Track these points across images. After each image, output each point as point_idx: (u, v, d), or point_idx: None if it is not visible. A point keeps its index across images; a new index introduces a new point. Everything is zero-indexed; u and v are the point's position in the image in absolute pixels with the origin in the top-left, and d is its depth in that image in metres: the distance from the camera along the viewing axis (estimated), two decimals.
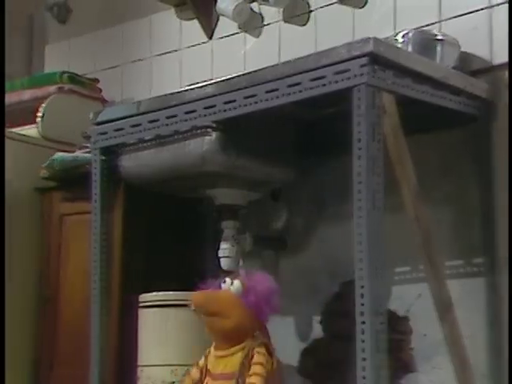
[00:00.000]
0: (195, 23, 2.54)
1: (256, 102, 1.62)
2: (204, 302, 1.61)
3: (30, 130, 2.46)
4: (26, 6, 3.23)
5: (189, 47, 2.58)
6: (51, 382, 2.24)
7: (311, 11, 2.29)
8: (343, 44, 1.51)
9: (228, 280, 1.62)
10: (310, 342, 2.04)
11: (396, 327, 1.74)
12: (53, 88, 2.52)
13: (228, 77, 1.71)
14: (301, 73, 1.55)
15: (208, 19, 2.48)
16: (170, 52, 2.63)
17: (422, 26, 1.95)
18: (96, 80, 2.70)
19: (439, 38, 1.84)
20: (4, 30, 2.66)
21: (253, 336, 1.60)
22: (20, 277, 2.31)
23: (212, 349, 1.63)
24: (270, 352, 1.58)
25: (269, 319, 1.63)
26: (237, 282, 1.60)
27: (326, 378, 1.88)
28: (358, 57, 1.47)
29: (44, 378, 2.27)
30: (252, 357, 1.57)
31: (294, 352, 2.01)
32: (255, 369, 1.54)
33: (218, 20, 2.49)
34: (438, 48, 1.81)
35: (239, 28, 2.44)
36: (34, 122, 2.47)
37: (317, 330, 2.01)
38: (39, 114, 2.46)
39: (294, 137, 1.97)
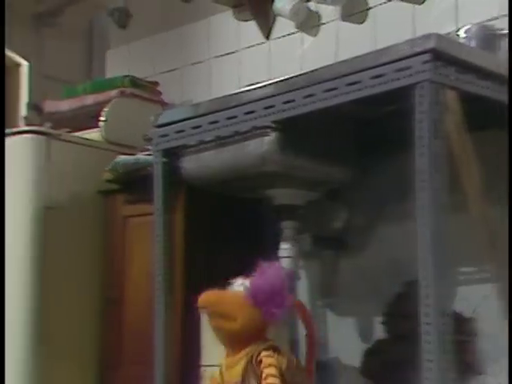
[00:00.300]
0: (253, 24, 2.55)
1: (315, 102, 1.61)
2: (210, 303, 1.55)
3: (93, 134, 2.50)
4: (85, 13, 3.30)
5: (247, 48, 2.60)
6: (116, 382, 2.27)
7: (369, 9, 2.27)
8: (404, 41, 1.49)
9: (238, 280, 1.56)
10: (372, 343, 2.02)
11: (461, 328, 1.71)
12: (115, 92, 2.56)
13: (286, 77, 1.71)
14: (360, 71, 1.54)
15: (265, 19, 2.49)
16: (228, 53, 2.65)
17: (485, 21, 1.92)
18: (156, 83, 2.74)
19: (503, 32, 1.79)
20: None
21: (262, 338, 1.53)
22: (85, 278, 2.36)
23: (224, 357, 1.57)
24: (279, 353, 1.51)
25: (279, 317, 1.54)
26: (244, 282, 1.54)
27: (390, 379, 1.85)
28: (420, 53, 1.45)
29: (109, 378, 2.30)
30: (259, 362, 1.50)
31: (356, 353, 1.99)
32: (267, 371, 1.47)
33: (274, 20, 2.49)
34: (502, 43, 1.77)
35: (296, 28, 2.44)
36: (96, 126, 2.52)
37: (379, 331, 1.99)
38: (102, 118, 2.50)
39: (353, 136, 1.95)
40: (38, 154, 2.27)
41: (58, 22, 3.27)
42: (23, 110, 3.44)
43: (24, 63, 3.48)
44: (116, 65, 3.04)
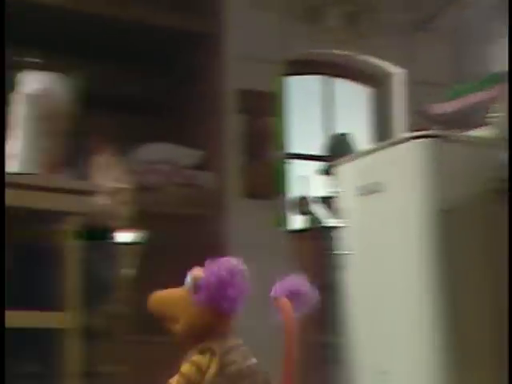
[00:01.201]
0: None
1: None
2: (154, 305, 1.37)
3: (482, 132, 2.45)
4: (455, 13, 3.27)
5: None
6: None
7: None
8: None
9: (189, 275, 1.35)
10: None
11: None
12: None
13: None
14: None
15: None
16: None
17: None
18: None
19: None
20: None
21: (215, 335, 1.31)
22: (486, 279, 2.29)
23: None
24: (212, 356, 1.28)
25: (234, 311, 1.31)
26: (189, 277, 1.33)
27: None
28: None
29: None
30: None
31: None
32: (172, 380, 1.28)
33: None
34: None
35: None
36: (484, 123, 2.47)
37: None
38: (492, 115, 2.45)
39: None
40: (430, 158, 2.29)
41: (431, 26, 3.32)
42: (404, 117, 3.56)
43: (397, 71, 3.60)
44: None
